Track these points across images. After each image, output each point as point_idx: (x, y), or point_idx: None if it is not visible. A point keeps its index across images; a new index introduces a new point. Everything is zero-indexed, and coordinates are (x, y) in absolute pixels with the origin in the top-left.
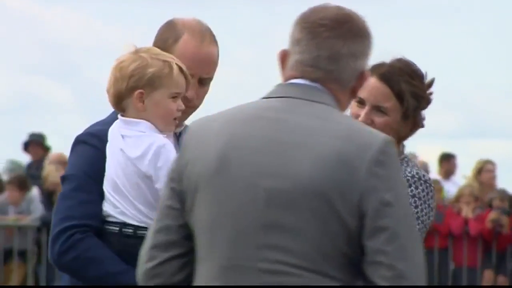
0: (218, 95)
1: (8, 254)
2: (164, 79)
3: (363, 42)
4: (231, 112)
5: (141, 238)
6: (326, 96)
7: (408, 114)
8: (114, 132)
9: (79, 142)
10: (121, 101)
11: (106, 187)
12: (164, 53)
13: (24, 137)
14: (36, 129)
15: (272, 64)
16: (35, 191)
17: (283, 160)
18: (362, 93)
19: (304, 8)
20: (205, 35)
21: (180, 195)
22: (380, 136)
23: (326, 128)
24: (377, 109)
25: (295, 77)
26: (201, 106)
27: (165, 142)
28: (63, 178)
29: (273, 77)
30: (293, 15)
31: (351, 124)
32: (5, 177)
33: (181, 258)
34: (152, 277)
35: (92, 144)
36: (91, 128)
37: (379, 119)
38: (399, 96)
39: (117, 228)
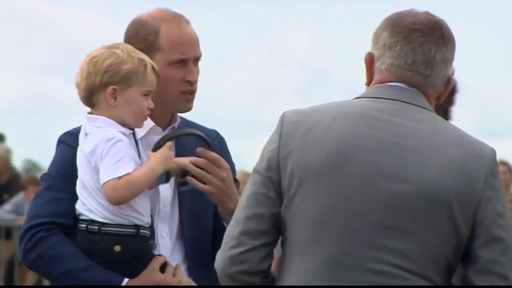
0: (231, 94)
1: None
2: (139, 76)
3: (452, 49)
4: (335, 108)
5: (106, 235)
6: (423, 101)
7: (440, 107)
8: (81, 131)
9: (59, 142)
10: (91, 96)
11: (78, 185)
12: (137, 50)
13: (42, 137)
14: (52, 130)
15: (283, 64)
16: None
17: (404, 163)
18: None
19: (317, 10)
20: (178, 18)
21: (277, 184)
22: (489, 147)
23: (439, 134)
24: None
25: (392, 81)
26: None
27: (114, 136)
28: (41, 178)
29: (284, 77)
30: (305, 16)
31: (460, 131)
32: (23, 177)
33: (267, 247)
34: (237, 263)
35: (69, 143)
36: (76, 127)
37: None
38: None
39: (84, 226)
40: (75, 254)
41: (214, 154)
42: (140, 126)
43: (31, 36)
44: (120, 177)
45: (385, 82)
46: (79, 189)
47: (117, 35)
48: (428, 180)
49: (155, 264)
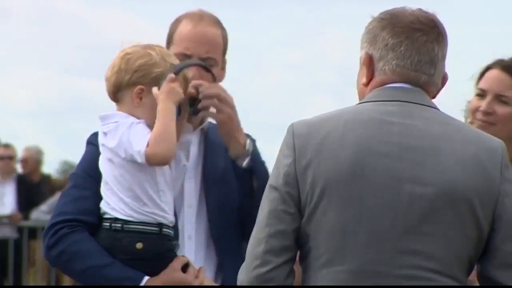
0: (266, 94)
1: None
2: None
3: (447, 45)
4: (344, 115)
5: (129, 232)
6: (428, 99)
7: None
8: (99, 133)
9: (87, 143)
10: (118, 91)
11: (102, 185)
12: (171, 54)
13: (78, 139)
14: (88, 131)
15: (319, 65)
16: None
17: (422, 165)
18: (484, 84)
19: (352, 11)
20: (203, 17)
21: (297, 199)
22: (498, 140)
23: (451, 133)
24: (499, 99)
25: (396, 81)
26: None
27: (133, 121)
28: (69, 178)
29: (320, 77)
30: (341, 17)
31: (469, 128)
32: (60, 178)
33: (291, 262)
34: (264, 282)
35: (95, 143)
36: None
37: (501, 109)
38: None
39: (108, 224)
40: (96, 251)
41: (221, 86)
42: None
43: (67, 37)
44: (147, 144)
45: (388, 83)
46: (103, 189)
47: (154, 37)
48: (448, 180)
49: (177, 264)
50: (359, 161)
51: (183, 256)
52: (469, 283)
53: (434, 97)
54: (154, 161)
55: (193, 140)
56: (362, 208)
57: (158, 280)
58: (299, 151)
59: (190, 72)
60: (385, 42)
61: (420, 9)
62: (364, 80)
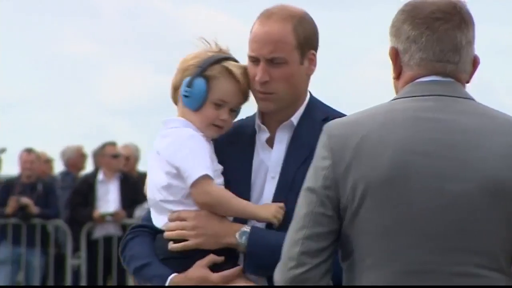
0: (360, 90)
1: None
2: (213, 83)
3: (473, 28)
4: (380, 115)
5: (163, 232)
6: (462, 90)
7: None
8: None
9: None
10: (175, 91)
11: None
12: (234, 62)
13: None
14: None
15: None
16: None
17: (462, 162)
18: None
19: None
20: (271, 15)
21: (335, 202)
22: None
23: (488, 125)
24: None
25: (424, 75)
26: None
27: (192, 134)
28: None
29: None
30: None
31: (505, 116)
32: None
33: (327, 262)
34: (300, 282)
35: None
36: None
37: None
38: None
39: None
40: (142, 253)
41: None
42: (209, 135)
43: (156, 35)
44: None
45: (418, 78)
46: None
47: (240, 34)
48: (490, 175)
49: (204, 261)
50: (400, 162)
51: (220, 256)
52: None
53: (468, 81)
54: (196, 200)
55: (281, 137)
56: (405, 209)
57: (182, 276)
58: (336, 153)
59: (257, 74)
60: (407, 34)
61: None
62: (393, 74)
